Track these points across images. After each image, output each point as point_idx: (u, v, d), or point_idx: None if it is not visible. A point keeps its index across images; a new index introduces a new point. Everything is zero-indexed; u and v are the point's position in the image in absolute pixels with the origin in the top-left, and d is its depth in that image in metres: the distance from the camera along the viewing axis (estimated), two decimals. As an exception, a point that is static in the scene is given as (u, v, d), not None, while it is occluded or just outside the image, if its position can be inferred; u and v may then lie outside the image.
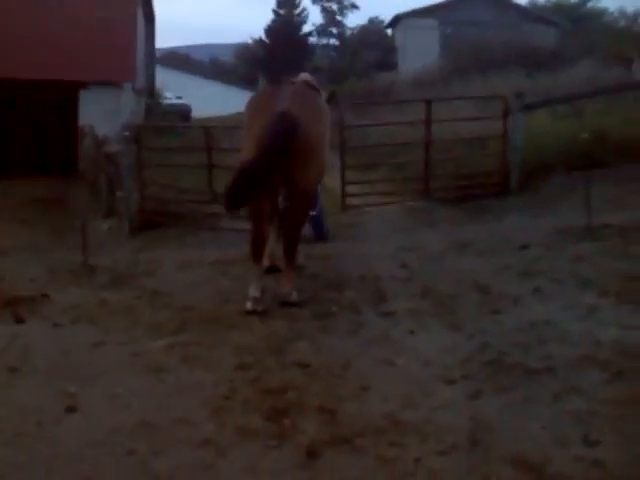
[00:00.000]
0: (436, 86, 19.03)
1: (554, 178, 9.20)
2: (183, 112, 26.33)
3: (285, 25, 45.05)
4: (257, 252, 5.49)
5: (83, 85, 15.22)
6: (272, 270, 6.24)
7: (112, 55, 15.15)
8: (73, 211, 10.85)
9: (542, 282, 5.44)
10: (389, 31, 39.18)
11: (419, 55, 28.66)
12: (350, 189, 9.16)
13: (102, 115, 14.40)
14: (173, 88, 29.65)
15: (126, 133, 8.95)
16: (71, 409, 3.56)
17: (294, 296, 5.50)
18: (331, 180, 8.48)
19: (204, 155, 8.67)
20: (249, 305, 5.28)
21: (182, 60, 49.33)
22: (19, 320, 5.05)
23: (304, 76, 6.37)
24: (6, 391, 3.82)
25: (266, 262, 6.11)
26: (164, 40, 38.62)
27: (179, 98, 29.04)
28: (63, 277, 6.59)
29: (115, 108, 15.35)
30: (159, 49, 35.15)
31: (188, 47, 61.16)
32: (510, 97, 9.40)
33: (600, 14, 35.00)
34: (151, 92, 23.26)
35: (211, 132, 8.92)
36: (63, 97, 15.26)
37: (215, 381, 3.89)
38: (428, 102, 9.30)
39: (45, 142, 15.64)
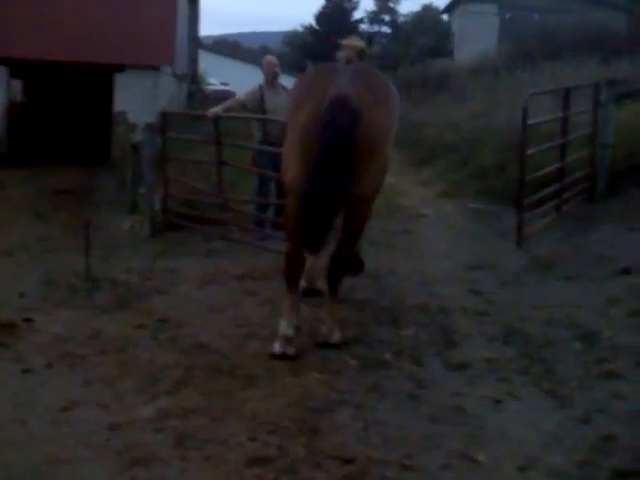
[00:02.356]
0: (499, 74, 17.39)
1: (649, 181, 7.69)
2: (227, 98, 25.20)
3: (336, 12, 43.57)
4: (293, 277, 4.23)
5: (118, 68, 14.15)
6: (310, 294, 5.00)
7: (149, 36, 14.01)
8: (96, 205, 9.81)
9: (669, 329, 4.07)
10: (445, 17, 37.39)
11: (476, 41, 26.97)
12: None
13: (139, 101, 13.31)
14: (220, 75, 28.53)
15: (149, 121, 7.75)
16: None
17: (336, 336, 4.25)
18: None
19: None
20: (277, 347, 4.06)
21: (231, 47, 48.37)
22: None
23: (354, 40, 5.11)
24: None
25: (303, 283, 4.86)
26: (214, 28, 37.69)
27: (224, 84, 27.92)
28: (58, 293, 5.45)
29: (152, 93, 14.22)
30: (209, 36, 34.31)
31: (238, 35, 60.39)
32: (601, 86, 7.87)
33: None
34: (194, 78, 22.17)
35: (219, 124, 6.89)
36: (97, 81, 14.24)
37: (215, 491, 2.65)
38: (567, 91, 7.46)
39: (77, 129, 14.65)
